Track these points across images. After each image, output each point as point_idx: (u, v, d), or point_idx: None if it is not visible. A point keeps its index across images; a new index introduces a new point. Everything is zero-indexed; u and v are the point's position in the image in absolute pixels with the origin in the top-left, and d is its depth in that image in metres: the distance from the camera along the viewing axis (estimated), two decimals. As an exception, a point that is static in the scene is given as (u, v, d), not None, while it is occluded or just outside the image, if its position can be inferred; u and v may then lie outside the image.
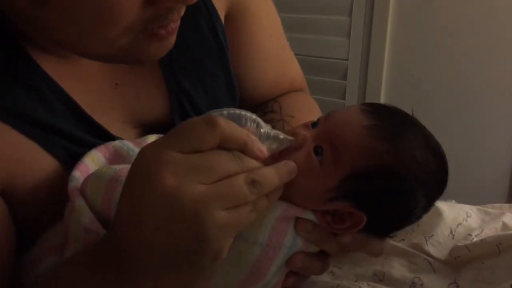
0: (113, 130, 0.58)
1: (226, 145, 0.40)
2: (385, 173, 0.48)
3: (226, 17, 0.70)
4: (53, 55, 0.55)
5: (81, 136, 0.55)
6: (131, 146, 0.57)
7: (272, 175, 0.42)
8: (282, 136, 0.47)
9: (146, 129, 0.63)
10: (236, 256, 0.46)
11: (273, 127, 0.71)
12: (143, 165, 0.40)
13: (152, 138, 0.59)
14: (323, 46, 1.77)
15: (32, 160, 0.52)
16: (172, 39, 0.50)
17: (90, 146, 0.56)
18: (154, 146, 0.41)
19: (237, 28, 0.71)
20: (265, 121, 0.73)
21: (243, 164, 0.41)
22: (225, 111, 0.44)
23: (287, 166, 0.45)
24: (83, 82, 0.57)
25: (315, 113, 0.80)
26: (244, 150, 0.41)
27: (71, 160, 0.54)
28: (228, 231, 0.39)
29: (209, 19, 0.65)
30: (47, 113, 0.53)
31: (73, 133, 0.55)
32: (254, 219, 0.42)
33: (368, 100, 1.75)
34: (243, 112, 0.45)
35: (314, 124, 0.52)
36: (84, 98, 0.56)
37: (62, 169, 0.54)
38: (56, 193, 0.53)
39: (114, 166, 0.52)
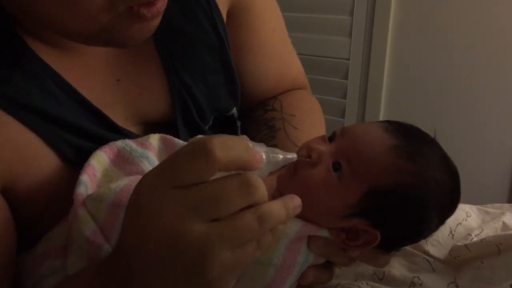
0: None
1: (227, 169, 0.38)
2: (405, 191, 0.48)
3: (228, 13, 0.69)
4: (54, 48, 0.54)
5: (87, 126, 0.55)
6: (134, 146, 0.56)
7: (279, 210, 0.40)
8: (281, 156, 0.45)
9: (148, 126, 0.63)
10: (250, 278, 0.46)
11: (274, 126, 0.71)
12: (143, 201, 0.38)
13: (154, 137, 0.58)
14: (325, 46, 1.77)
15: (35, 156, 0.52)
16: (156, 21, 0.49)
17: (96, 138, 0.55)
18: (151, 181, 0.39)
19: (239, 24, 0.71)
20: (266, 119, 0.74)
21: (249, 194, 0.38)
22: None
23: (294, 201, 0.43)
24: (85, 78, 0.57)
25: (316, 112, 0.80)
26: (245, 168, 0.39)
27: (75, 155, 0.54)
28: (233, 273, 0.38)
29: (209, 13, 0.65)
30: (51, 103, 0.52)
31: (78, 123, 0.54)
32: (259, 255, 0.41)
33: (369, 100, 1.75)
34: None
35: (330, 138, 0.52)
36: (87, 93, 0.56)
37: (65, 165, 0.54)
38: (59, 191, 0.52)
39: (113, 186, 0.50)
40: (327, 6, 1.74)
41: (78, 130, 0.54)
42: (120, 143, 0.56)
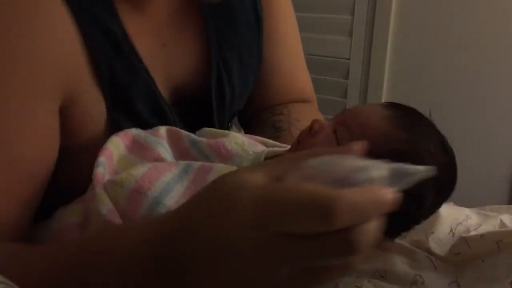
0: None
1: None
2: (399, 159, 0.48)
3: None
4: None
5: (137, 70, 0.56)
6: (147, 134, 0.58)
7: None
8: (407, 167, 0.37)
9: (179, 93, 0.64)
10: None
11: (280, 127, 0.74)
12: (238, 231, 0.34)
13: (162, 129, 0.60)
14: (325, 45, 1.78)
15: (87, 88, 0.52)
16: None
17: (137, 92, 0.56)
18: (253, 215, 0.34)
19: (265, 14, 0.72)
20: (273, 121, 0.76)
21: (348, 257, 0.33)
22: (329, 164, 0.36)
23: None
24: (134, 38, 0.57)
25: None
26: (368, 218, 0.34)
27: (114, 106, 0.55)
28: None
29: (253, 2, 0.67)
30: (113, 43, 0.53)
31: (128, 76, 0.55)
32: None
33: (369, 100, 1.76)
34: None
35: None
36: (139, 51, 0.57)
37: (103, 116, 0.55)
38: (89, 139, 0.54)
39: (134, 173, 0.51)
40: (328, 5, 1.74)
41: (128, 74, 0.55)
42: (134, 130, 0.58)
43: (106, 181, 0.52)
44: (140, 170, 0.52)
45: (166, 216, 0.41)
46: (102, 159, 0.53)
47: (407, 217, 0.53)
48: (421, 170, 0.37)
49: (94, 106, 0.54)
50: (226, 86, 0.66)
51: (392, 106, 0.54)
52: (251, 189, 0.35)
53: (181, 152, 0.60)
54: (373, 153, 0.47)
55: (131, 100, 0.57)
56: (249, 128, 0.81)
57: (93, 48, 0.52)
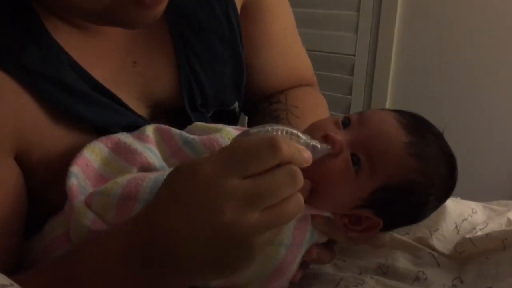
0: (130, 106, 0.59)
1: (284, 163, 0.41)
2: (413, 188, 0.50)
3: (242, 7, 0.70)
4: (73, 27, 0.55)
5: (99, 99, 0.55)
6: (135, 138, 0.57)
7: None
8: (319, 145, 0.47)
9: (158, 110, 0.64)
10: (264, 259, 0.48)
11: (278, 116, 0.73)
12: (203, 191, 0.40)
13: (149, 129, 0.58)
14: (331, 41, 1.77)
15: (49, 126, 0.52)
16: (160, 8, 0.49)
17: (107, 110, 0.56)
18: (215, 170, 0.41)
19: (252, 19, 0.72)
20: (271, 110, 0.75)
21: (297, 184, 0.42)
22: (269, 127, 0.45)
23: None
24: (101, 58, 0.57)
25: (321, 107, 0.81)
26: (297, 163, 0.42)
27: (89, 129, 0.55)
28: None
29: (225, 8, 0.66)
30: (65, 76, 0.53)
31: (90, 100, 0.55)
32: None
33: (374, 96, 1.75)
34: (281, 127, 0.46)
35: (344, 123, 0.53)
36: (102, 74, 0.56)
37: (79, 139, 0.55)
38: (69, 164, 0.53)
39: (119, 181, 0.50)
40: (333, 1, 1.74)
41: (90, 107, 0.55)
42: (119, 135, 0.57)
43: (90, 193, 0.51)
44: (125, 177, 0.51)
45: (136, 218, 0.45)
46: (74, 168, 0.52)
47: (409, 222, 0.56)
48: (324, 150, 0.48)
49: (66, 140, 0.55)
50: (198, 98, 0.65)
51: (407, 123, 0.52)
52: (207, 163, 0.41)
53: (172, 150, 0.58)
54: (391, 182, 0.49)
55: (105, 127, 0.57)
56: (250, 118, 0.81)
57: (45, 93, 0.51)
